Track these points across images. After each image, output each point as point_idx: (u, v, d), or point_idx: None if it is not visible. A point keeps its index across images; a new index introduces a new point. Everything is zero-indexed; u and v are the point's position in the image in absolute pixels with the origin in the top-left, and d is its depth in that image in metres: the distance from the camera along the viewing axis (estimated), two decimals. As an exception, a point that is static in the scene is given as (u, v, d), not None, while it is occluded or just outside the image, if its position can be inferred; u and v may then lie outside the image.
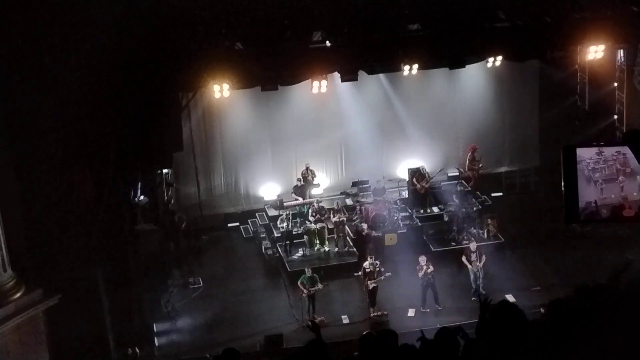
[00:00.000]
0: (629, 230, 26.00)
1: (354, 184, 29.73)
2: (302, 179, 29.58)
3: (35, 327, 21.08)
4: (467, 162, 30.60)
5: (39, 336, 21.20)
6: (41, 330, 21.24)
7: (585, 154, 2.65)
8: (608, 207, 2.63)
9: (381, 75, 28.64)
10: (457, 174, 30.78)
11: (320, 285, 24.52)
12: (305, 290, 24.38)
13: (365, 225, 27.41)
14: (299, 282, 24.65)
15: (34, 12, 20.76)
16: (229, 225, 30.45)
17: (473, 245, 25.49)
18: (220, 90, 24.81)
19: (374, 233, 27.34)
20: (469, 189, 30.04)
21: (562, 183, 2.68)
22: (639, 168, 2.47)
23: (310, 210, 28.21)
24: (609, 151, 2.62)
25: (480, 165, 30.41)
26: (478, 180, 30.47)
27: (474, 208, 28.83)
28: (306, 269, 25.09)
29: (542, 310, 19.91)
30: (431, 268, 24.66)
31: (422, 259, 24.78)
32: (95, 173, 22.55)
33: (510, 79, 30.95)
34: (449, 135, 31.32)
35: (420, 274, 24.61)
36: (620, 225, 22.86)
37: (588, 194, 2.63)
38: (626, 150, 2.51)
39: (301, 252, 27.64)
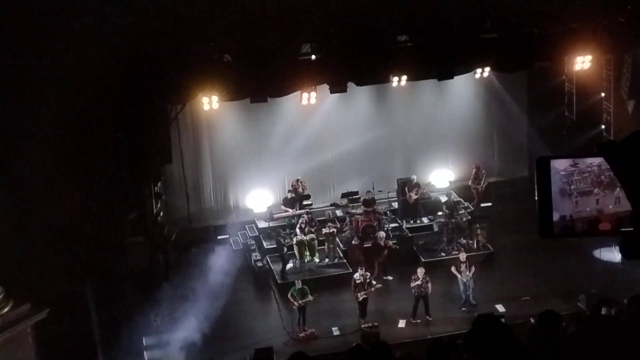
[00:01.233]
0: (618, 240, 26.01)
1: (344, 195, 29.74)
2: (292, 191, 29.57)
3: (23, 342, 20.94)
4: (471, 179, 30.61)
5: (27, 351, 21.05)
6: (29, 345, 21.10)
7: (560, 166, 2.62)
8: (584, 220, 2.60)
9: (370, 87, 28.65)
10: (447, 185, 30.79)
11: (310, 297, 24.48)
12: (295, 303, 24.33)
13: (382, 234, 27.44)
14: (289, 295, 24.60)
15: (22, 24, 20.72)
16: (219, 237, 30.39)
17: (463, 256, 25.49)
18: (210, 103, 24.82)
19: (390, 243, 27.37)
20: (471, 208, 30.04)
21: (536, 196, 2.66)
22: (615, 180, 2.45)
23: (300, 222, 28.18)
24: (584, 163, 2.59)
25: (484, 184, 30.48)
26: (482, 198, 30.52)
27: (464, 218, 28.85)
28: (296, 281, 25.05)
29: (533, 321, 19.94)
30: (428, 281, 24.61)
31: (421, 271, 24.72)
32: (83, 186, 22.50)
33: (499, 89, 31.02)
34: (439, 146, 31.34)
35: (415, 284, 24.55)
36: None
37: (562, 207, 2.60)
38: (601, 161, 2.49)
39: (291, 264, 27.60)
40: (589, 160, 2.64)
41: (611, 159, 2.44)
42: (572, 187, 2.65)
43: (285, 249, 27.37)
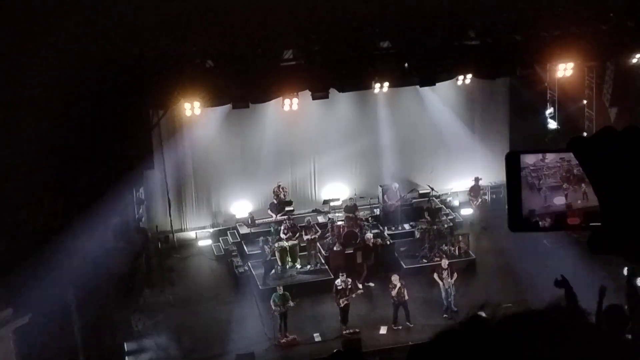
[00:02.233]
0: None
1: (326, 202, 29.78)
2: (274, 197, 29.57)
3: (4, 347, 20.87)
4: (471, 192, 30.73)
5: (9, 356, 20.98)
6: (11, 350, 21.02)
7: (529, 161, 2.64)
8: (552, 215, 2.62)
9: (352, 93, 28.67)
10: (428, 191, 30.83)
11: (292, 303, 24.47)
12: (277, 309, 24.32)
13: (370, 235, 27.62)
14: (270, 301, 24.59)
15: (4, 25, 20.64)
16: (200, 243, 30.35)
17: (444, 263, 25.55)
18: (191, 108, 24.81)
19: (380, 241, 27.47)
20: (453, 215, 30.15)
21: (505, 190, 2.69)
22: (583, 176, 2.47)
23: (282, 228, 28.15)
24: (553, 158, 2.61)
25: (481, 199, 30.62)
26: (480, 212, 30.58)
27: (446, 225, 28.90)
28: (278, 287, 25.05)
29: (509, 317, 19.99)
30: (404, 287, 24.64)
31: (395, 278, 24.78)
32: (65, 191, 22.42)
33: (481, 96, 31.14)
34: (421, 152, 31.40)
35: (393, 292, 24.61)
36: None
37: (531, 202, 2.63)
38: (570, 157, 2.51)
39: (273, 270, 27.57)
40: (558, 155, 2.66)
41: (580, 154, 2.46)
42: (540, 181, 2.67)
43: (269, 255, 27.33)
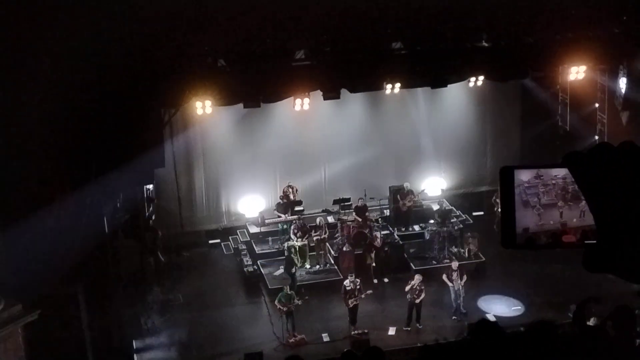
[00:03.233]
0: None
1: (336, 202, 29.73)
2: (283, 197, 29.57)
3: (14, 343, 20.92)
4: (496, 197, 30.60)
5: (18, 352, 21.02)
6: (20, 346, 21.07)
7: (524, 178, 2.63)
8: (547, 233, 2.61)
9: (364, 94, 28.65)
10: (439, 193, 30.79)
11: (297, 301, 24.50)
12: (283, 308, 24.32)
13: (378, 235, 27.86)
14: (276, 301, 24.61)
15: (13, 22, 20.68)
16: (210, 242, 30.38)
17: (455, 264, 25.52)
18: (203, 107, 24.82)
19: (386, 240, 27.57)
20: (463, 217, 30.11)
21: (499, 206, 2.68)
22: (580, 194, 2.46)
23: (292, 228, 28.16)
24: (548, 175, 2.60)
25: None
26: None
27: (456, 227, 28.86)
28: (285, 287, 25.05)
29: (523, 330, 19.97)
30: (422, 289, 24.64)
31: (418, 278, 24.75)
32: (76, 188, 22.47)
33: (492, 98, 31.07)
34: (431, 154, 31.36)
35: (408, 287, 24.58)
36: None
37: (526, 219, 2.62)
38: (566, 174, 2.50)
39: (281, 270, 27.59)
40: (554, 172, 2.65)
41: (576, 170, 2.45)
42: (535, 199, 2.66)
43: (295, 269, 27.19)
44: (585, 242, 2.54)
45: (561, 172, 2.59)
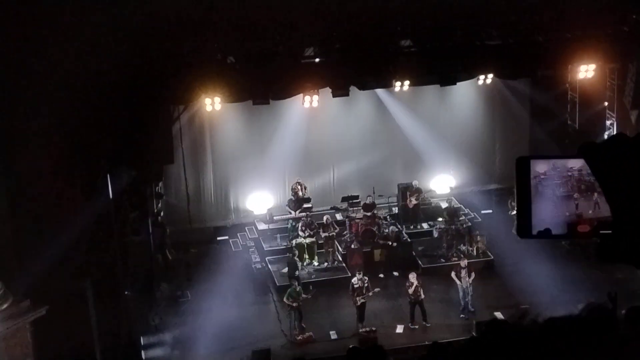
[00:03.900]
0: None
1: (344, 199, 29.71)
2: (292, 194, 29.58)
3: (22, 339, 20.98)
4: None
5: (26, 348, 21.09)
6: (28, 342, 21.13)
7: (540, 169, 2.63)
8: (562, 224, 2.61)
9: (373, 91, 28.63)
10: (448, 191, 30.77)
11: (305, 295, 24.52)
12: (293, 303, 24.33)
13: (386, 231, 28.04)
14: (284, 298, 24.62)
15: (26, 19, 20.75)
16: (218, 238, 30.37)
17: (464, 262, 25.50)
18: (212, 104, 24.86)
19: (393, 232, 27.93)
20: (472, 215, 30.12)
21: (515, 196, 2.68)
22: (595, 185, 2.46)
23: (300, 225, 28.15)
24: (565, 166, 2.60)
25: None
26: None
27: (464, 225, 28.82)
28: (294, 283, 25.07)
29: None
30: (420, 286, 24.63)
31: (412, 276, 24.75)
32: (85, 185, 22.53)
33: (501, 96, 31.02)
34: (440, 152, 31.30)
35: (410, 290, 24.59)
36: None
37: (542, 210, 2.62)
38: (582, 165, 2.50)
39: (297, 271, 27.55)
40: (570, 164, 2.65)
41: (591, 160, 2.45)
42: (551, 191, 2.66)
43: (298, 272, 27.14)
44: (600, 232, 2.54)
45: (577, 163, 2.59)
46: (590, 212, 2.61)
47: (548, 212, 2.65)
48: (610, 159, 2.39)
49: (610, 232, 2.43)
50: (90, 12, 20.88)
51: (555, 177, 2.64)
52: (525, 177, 2.67)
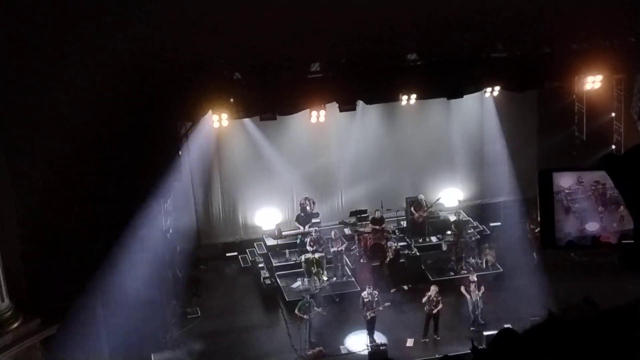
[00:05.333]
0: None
1: (352, 214, 29.71)
2: (301, 209, 29.58)
3: (32, 358, 20.98)
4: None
5: (37, 366, 21.11)
6: (39, 360, 21.16)
7: (564, 184, 2.65)
8: (587, 237, 2.63)
9: (380, 105, 28.66)
10: (456, 204, 30.74)
11: (317, 309, 24.51)
12: (304, 316, 24.32)
13: (393, 244, 27.94)
14: (296, 310, 24.61)
15: (35, 27, 20.82)
16: (227, 254, 30.36)
17: (473, 276, 25.47)
18: (219, 120, 24.91)
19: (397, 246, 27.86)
20: (480, 228, 30.05)
21: (538, 208, 2.69)
22: (619, 199, 2.47)
23: (308, 240, 28.15)
24: (588, 180, 2.62)
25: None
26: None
27: (473, 238, 28.78)
28: (305, 296, 25.09)
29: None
30: (439, 300, 24.62)
31: (434, 289, 24.73)
32: (94, 202, 22.55)
33: (509, 109, 30.97)
34: (448, 165, 31.30)
35: (430, 304, 24.55)
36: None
37: (567, 224, 2.63)
38: (605, 179, 2.51)
39: (299, 282, 27.58)
40: (593, 177, 2.66)
41: (613, 171, 2.46)
42: (577, 205, 2.67)
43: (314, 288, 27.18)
44: (623, 242, 2.55)
45: (601, 177, 2.60)
46: (614, 225, 2.62)
47: (574, 227, 2.66)
48: (631, 170, 2.41)
49: (632, 242, 2.45)
50: (99, 29, 20.95)
51: (580, 191, 2.65)
52: (547, 189, 2.68)
